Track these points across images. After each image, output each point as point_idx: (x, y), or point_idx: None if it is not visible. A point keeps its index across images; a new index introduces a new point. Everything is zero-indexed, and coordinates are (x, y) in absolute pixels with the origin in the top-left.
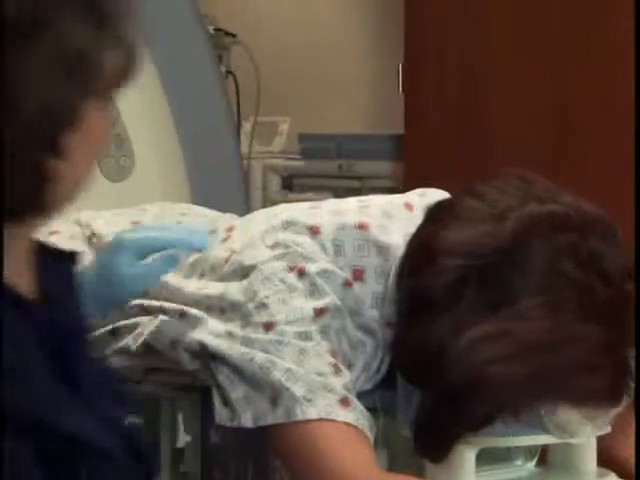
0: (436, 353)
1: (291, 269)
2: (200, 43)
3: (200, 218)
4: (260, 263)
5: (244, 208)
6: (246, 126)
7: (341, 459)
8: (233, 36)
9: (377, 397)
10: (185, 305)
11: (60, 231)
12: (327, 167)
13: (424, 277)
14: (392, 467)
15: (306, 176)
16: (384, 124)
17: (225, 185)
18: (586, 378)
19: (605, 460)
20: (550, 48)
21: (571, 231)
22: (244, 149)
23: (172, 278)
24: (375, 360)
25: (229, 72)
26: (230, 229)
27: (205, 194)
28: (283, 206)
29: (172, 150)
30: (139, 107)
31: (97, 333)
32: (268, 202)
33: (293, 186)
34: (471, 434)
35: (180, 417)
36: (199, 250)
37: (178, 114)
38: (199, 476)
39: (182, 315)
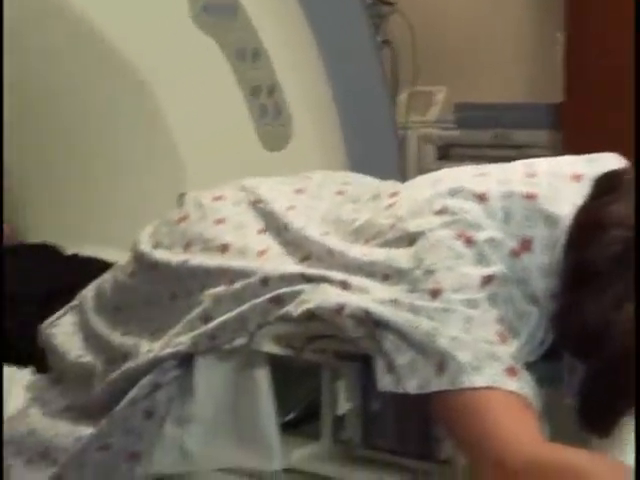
0: (599, 326)
1: (459, 237)
2: (357, 12)
3: (361, 187)
4: (427, 230)
5: (399, 178)
6: (402, 96)
7: (506, 428)
8: (391, 5)
9: (541, 369)
10: (347, 270)
11: (225, 196)
12: (483, 137)
13: (590, 250)
14: (556, 440)
15: (462, 146)
16: (541, 93)
17: (381, 155)
18: None
19: None
20: None
21: None
22: (400, 119)
23: (336, 243)
24: (539, 331)
25: (386, 41)
26: (393, 195)
27: (361, 164)
28: (446, 171)
29: (329, 119)
30: (297, 76)
31: (257, 301)
32: (423, 172)
33: (449, 156)
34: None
35: (341, 384)
36: None
37: (335, 83)
38: (360, 443)
39: (345, 284)
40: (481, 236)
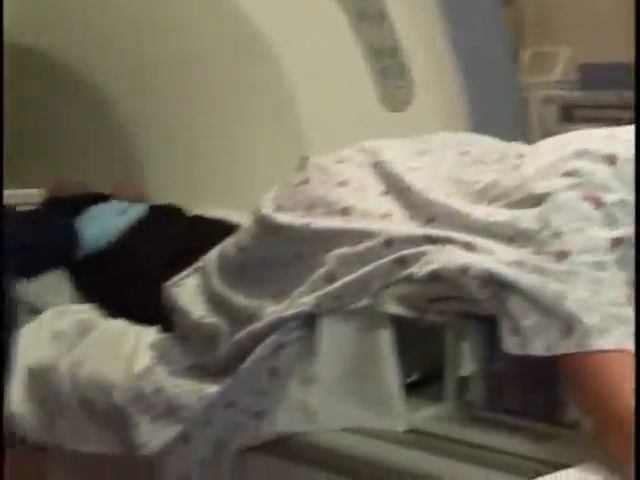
0: None
1: (586, 198)
2: None
3: (484, 148)
4: (554, 192)
5: (521, 139)
6: (525, 56)
7: (632, 390)
8: None
9: None
10: (471, 231)
11: (348, 159)
12: (607, 97)
13: None
14: None
15: (585, 107)
16: None
17: (503, 116)
18: None
19: None
20: None
21: None
22: (523, 79)
23: (461, 205)
24: None
25: (509, 1)
26: (519, 156)
27: (483, 125)
28: (574, 133)
29: (451, 80)
30: (419, 37)
31: (381, 262)
32: (546, 134)
33: (572, 117)
34: None
35: (465, 345)
36: None
37: (457, 44)
38: (484, 405)
39: (469, 246)
40: (610, 198)
